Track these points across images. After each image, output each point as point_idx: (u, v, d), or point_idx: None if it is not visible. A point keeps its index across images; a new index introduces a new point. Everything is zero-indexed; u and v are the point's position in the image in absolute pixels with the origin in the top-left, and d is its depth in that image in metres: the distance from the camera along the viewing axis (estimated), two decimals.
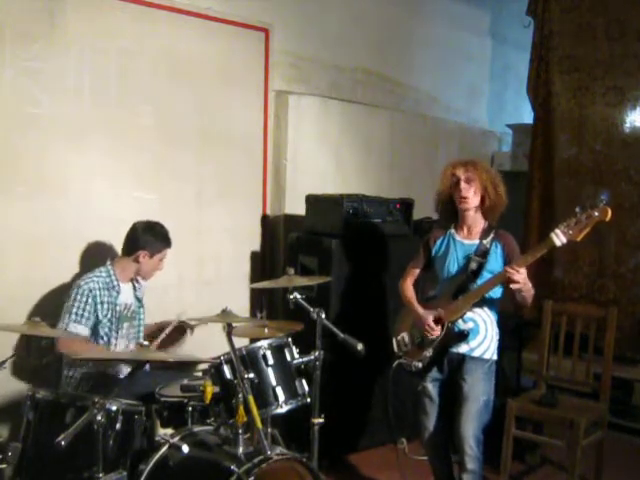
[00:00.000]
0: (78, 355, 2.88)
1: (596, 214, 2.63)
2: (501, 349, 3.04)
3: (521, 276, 2.70)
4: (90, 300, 3.01)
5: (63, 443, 2.09)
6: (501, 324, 3.05)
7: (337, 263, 3.71)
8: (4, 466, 2.30)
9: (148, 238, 3.15)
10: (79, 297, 3.00)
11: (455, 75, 5.55)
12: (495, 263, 2.92)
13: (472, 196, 2.91)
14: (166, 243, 3.21)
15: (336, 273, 3.67)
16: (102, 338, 3.07)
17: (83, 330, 3.00)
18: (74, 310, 2.99)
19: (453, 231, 3.06)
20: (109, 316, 3.09)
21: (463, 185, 2.90)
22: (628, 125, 4.43)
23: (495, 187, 2.91)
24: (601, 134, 4.51)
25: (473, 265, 2.91)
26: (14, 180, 3.26)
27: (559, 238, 2.66)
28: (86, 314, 3.01)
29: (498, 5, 5.79)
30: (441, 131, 5.28)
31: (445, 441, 3.13)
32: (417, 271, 3.20)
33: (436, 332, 2.95)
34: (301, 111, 4.32)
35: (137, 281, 3.28)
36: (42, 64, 3.28)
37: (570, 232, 2.65)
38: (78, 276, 3.33)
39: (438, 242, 3.09)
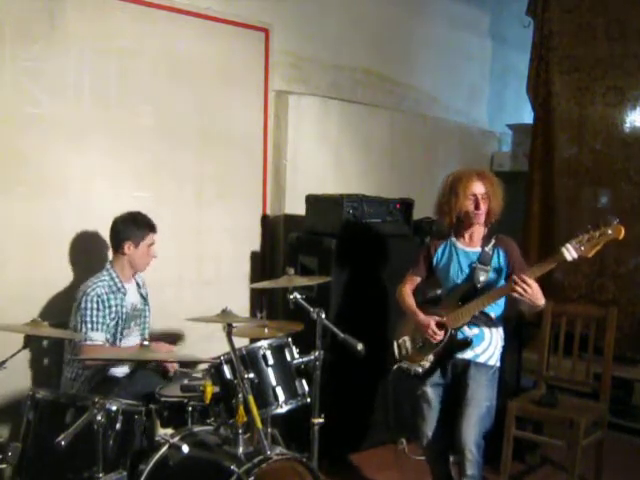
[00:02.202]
0: (89, 357, 2.92)
1: (610, 232, 2.62)
2: (503, 351, 3.04)
3: (529, 288, 2.69)
4: (100, 306, 3.02)
5: (63, 443, 2.09)
6: (505, 327, 3.05)
7: (337, 263, 3.71)
8: (4, 466, 2.29)
9: (128, 228, 3.14)
10: (89, 305, 3.01)
11: (455, 75, 5.55)
12: (499, 270, 2.92)
13: (481, 216, 2.93)
14: (149, 229, 3.18)
15: (336, 273, 3.67)
16: (108, 341, 3.07)
17: (101, 336, 3.02)
18: (88, 319, 3.00)
19: (454, 239, 3.04)
20: (115, 319, 3.10)
21: (482, 204, 2.91)
22: (628, 125, 4.43)
23: (498, 199, 2.93)
24: (601, 134, 4.52)
25: (479, 274, 2.90)
26: (14, 180, 3.25)
27: (570, 253, 2.65)
28: (100, 319, 3.02)
29: (498, 5, 5.79)
30: (441, 131, 5.28)
31: (443, 446, 3.11)
32: (418, 279, 3.18)
33: (439, 337, 2.95)
34: (301, 111, 4.32)
35: (138, 275, 3.28)
36: (42, 64, 3.28)
37: (582, 248, 2.64)
38: (78, 276, 3.34)
39: (439, 251, 3.08)
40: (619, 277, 4.43)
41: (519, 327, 4.03)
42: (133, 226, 3.15)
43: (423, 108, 5.29)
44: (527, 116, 5.29)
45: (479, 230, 2.99)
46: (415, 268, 3.17)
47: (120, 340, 3.14)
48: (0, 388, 3.17)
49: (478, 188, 2.91)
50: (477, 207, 2.91)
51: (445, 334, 2.94)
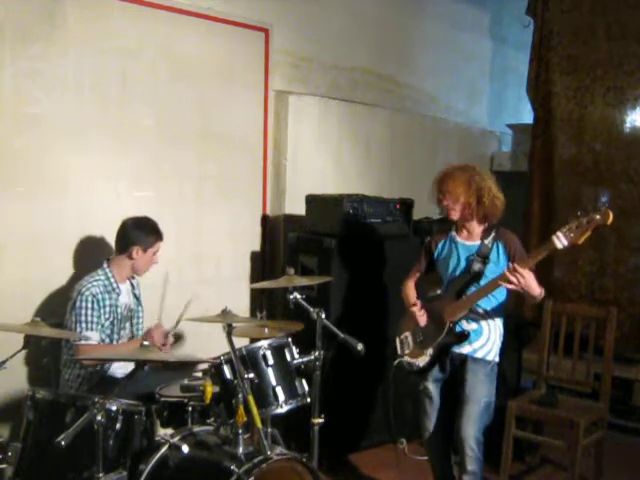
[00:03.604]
0: (87, 357, 2.92)
1: (598, 217, 2.60)
2: (502, 350, 3.04)
3: (522, 278, 2.70)
4: (95, 305, 3.02)
5: (63, 443, 2.09)
6: (505, 325, 3.05)
7: (337, 263, 3.71)
8: (4, 466, 2.30)
9: (138, 233, 3.14)
10: (84, 304, 3.00)
11: (455, 75, 5.55)
12: (498, 263, 2.93)
13: (452, 212, 2.97)
14: (157, 236, 3.20)
15: (336, 273, 3.66)
16: (103, 341, 3.07)
17: (96, 335, 3.03)
18: (83, 318, 3.00)
19: (454, 233, 3.08)
20: (111, 319, 3.10)
21: (443, 201, 2.99)
22: (628, 125, 4.43)
23: (479, 198, 2.91)
24: (601, 134, 4.51)
25: (475, 266, 2.92)
26: (14, 180, 3.25)
27: (560, 241, 2.65)
28: (95, 319, 3.02)
29: (498, 5, 5.80)
30: (441, 131, 5.28)
31: (445, 442, 3.12)
32: (418, 274, 3.21)
33: (422, 317, 3.01)
34: (301, 111, 4.32)
35: (133, 277, 3.28)
36: (42, 64, 3.28)
37: (571, 235, 2.64)
38: (78, 276, 3.33)
39: (440, 245, 3.11)
40: (619, 277, 4.43)
41: (519, 327, 4.04)
42: (143, 232, 3.15)
43: (423, 108, 5.29)
44: (527, 116, 5.29)
45: (476, 226, 3.00)
46: (417, 263, 3.23)
47: (117, 341, 3.14)
48: (0, 388, 3.17)
49: (435, 187, 3.00)
50: (439, 206, 3.01)
51: (443, 327, 2.95)
